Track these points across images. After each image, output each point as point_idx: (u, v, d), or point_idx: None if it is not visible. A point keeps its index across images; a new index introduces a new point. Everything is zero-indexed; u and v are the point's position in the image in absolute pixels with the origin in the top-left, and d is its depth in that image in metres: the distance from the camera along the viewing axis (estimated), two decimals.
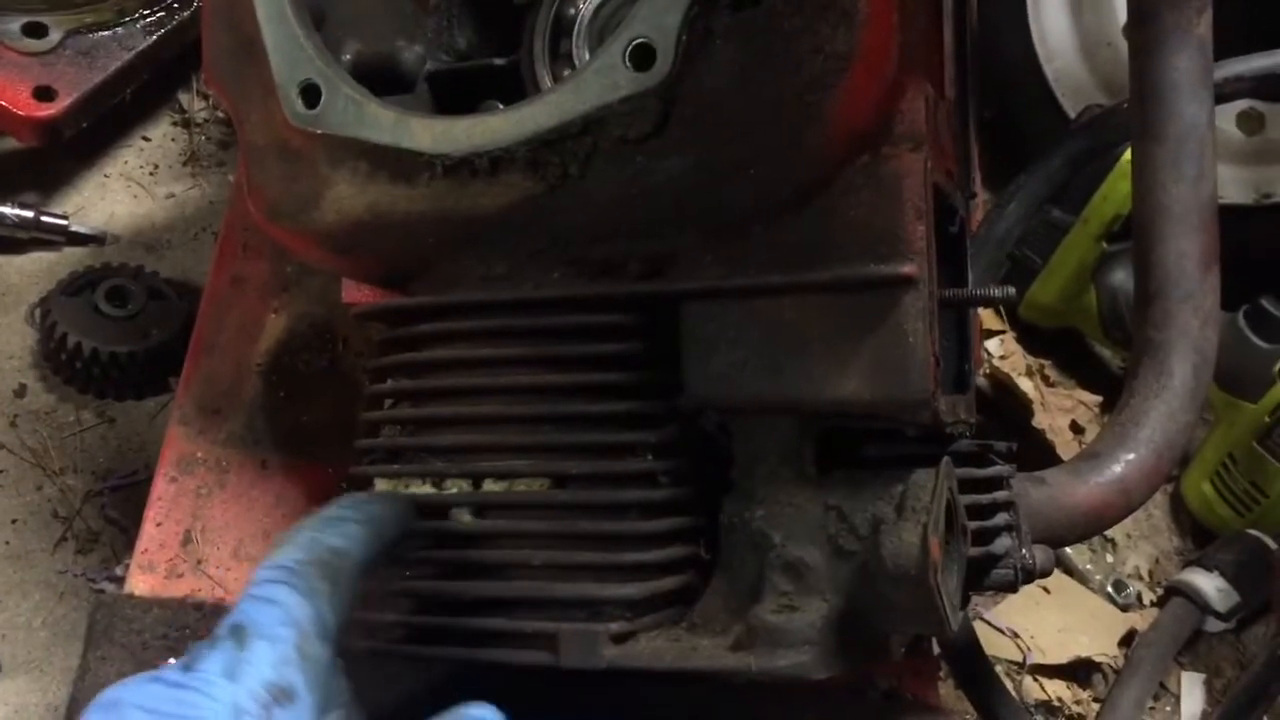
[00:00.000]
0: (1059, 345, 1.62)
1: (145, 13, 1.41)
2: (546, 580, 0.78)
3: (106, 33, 1.38)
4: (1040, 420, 1.50)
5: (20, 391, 1.29)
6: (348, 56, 0.98)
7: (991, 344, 1.58)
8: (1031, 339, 1.64)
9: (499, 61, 1.05)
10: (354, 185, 0.83)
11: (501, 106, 0.96)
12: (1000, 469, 0.90)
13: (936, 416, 0.74)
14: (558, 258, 0.82)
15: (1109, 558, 1.48)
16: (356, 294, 0.99)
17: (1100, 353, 1.62)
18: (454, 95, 1.04)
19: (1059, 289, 1.56)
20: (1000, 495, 0.90)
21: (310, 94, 0.83)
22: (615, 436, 0.78)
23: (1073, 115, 1.62)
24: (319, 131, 0.83)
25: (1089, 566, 1.44)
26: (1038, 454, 1.45)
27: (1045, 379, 1.57)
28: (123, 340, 1.27)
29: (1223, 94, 1.23)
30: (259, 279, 1.11)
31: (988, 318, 1.61)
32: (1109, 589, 1.44)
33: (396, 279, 0.90)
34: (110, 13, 1.40)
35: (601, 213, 0.78)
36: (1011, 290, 0.85)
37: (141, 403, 1.29)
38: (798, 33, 0.73)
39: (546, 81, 0.95)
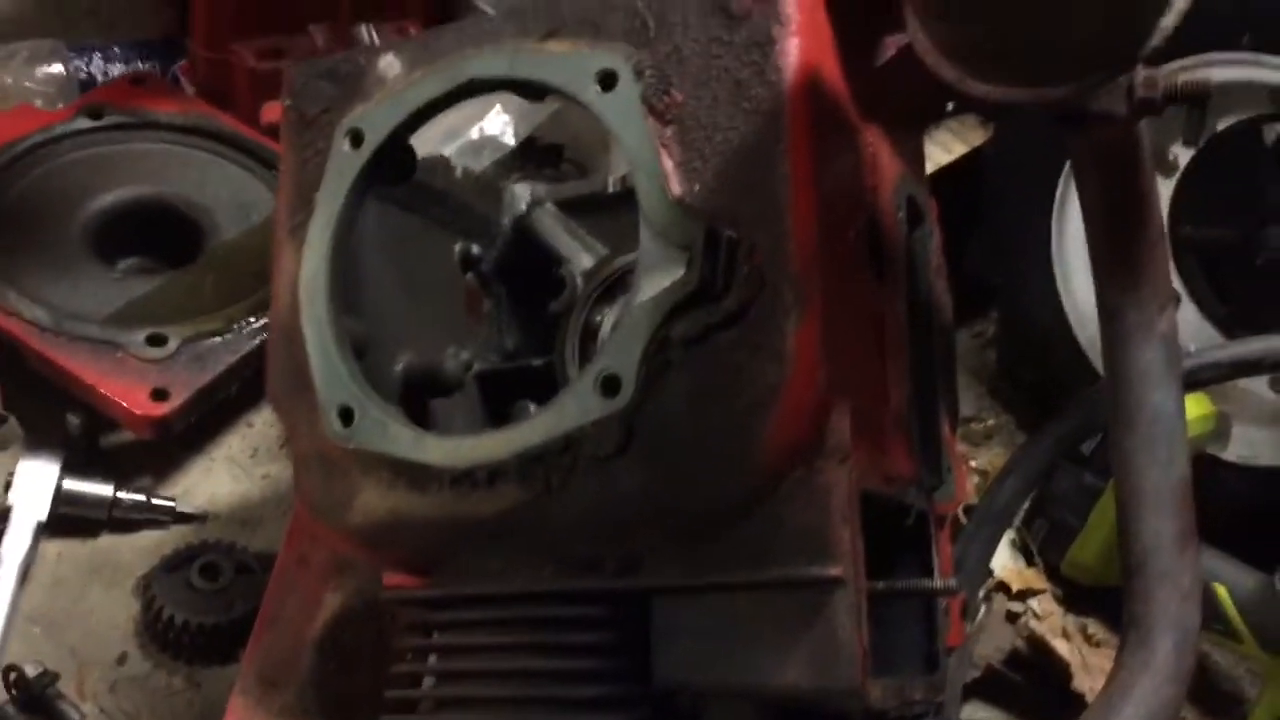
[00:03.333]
0: (1106, 603, 1.65)
1: (251, 320, 1.63)
2: None
3: (217, 339, 1.60)
4: (1081, 683, 1.52)
5: (122, 659, 1.44)
6: (399, 367, 1.14)
7: (1032, 604, 1.62)
8: (1080, 597, 1.67)
9: (537, 363, 1.21)
10: (378, 492, 0.98)
11: (533, 407, 1.11)
12: None
13: (867, 704, 0.82)
14: (547, 556, 0.94)
15: None
16: (395, 578, 1.12)
17: None
18: (498, 391, 1.20)
19: (1097, 550, 1.61)
20: None
21: (346, 415, 0.99)
22: (588, 718, 0.88)
23: None
24: (351, 446, 0.98)
25: None
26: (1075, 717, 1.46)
27: (1089, 639, 1.59)
28: (210, 612, 1.42)
29: (1200, 379, 1.31)
30: (321, 559, 1.25)
31: (1029, 577, 1.66)
32: None
33: (419, 569, 1.02)
34: (221, 321, 1.62)
35: (580, 518, 0.91)
36: (953, 583, 0.93)
37: (226, 668, 1.43)
38: (738, 366, 0.86)
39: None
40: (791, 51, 0.89)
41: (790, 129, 0.87)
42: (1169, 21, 0.81)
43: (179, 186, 1.79)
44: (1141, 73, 0.89)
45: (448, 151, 1.97)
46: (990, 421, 1.97)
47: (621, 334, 0.89)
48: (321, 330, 1.02)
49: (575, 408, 0.90)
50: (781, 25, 0.89)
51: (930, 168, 1.80)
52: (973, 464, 1.85)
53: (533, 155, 2.05)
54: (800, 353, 0.84)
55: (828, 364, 0.85)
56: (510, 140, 1.95)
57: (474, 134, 1.92)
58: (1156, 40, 0.81)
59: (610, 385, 0.89)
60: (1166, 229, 1.75)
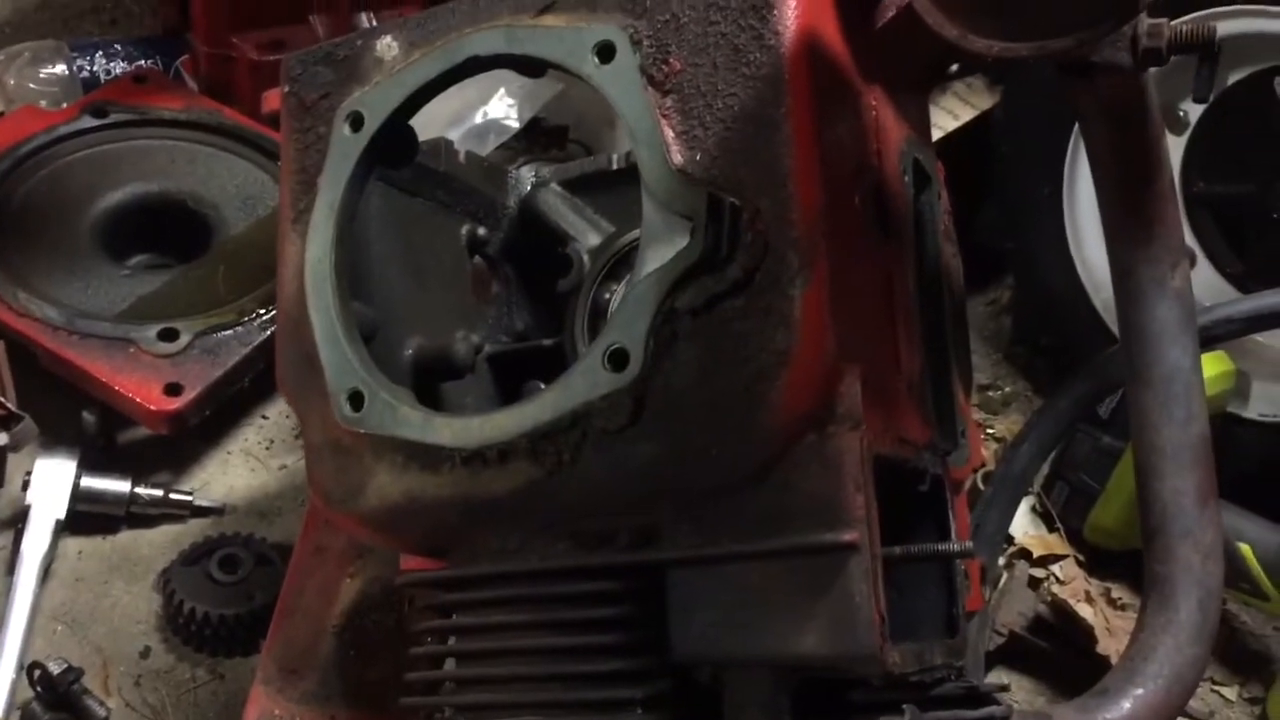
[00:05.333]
0: (1129, 568, 1.64)
1: (262, 312, 1.63)
2: None
3: (229, 332, 1.60)
4: (1105, 646, 1.51)
5: (145, 653, 1.45)
6: (409, 352, 1.14)
7: (1054, 569, 1.61)
8: (1102, 562, 1.66)
9: (547, 343, 1.21)
10: (392, 475, 0.97)
11: (543, 386, 1.11)
12: (992, 710, 0.95)
13: (885, 668, 0.81)
14: (561, 531, 0.94)
15: None
16: (414, 560, 1.12)
17: None
18: (510, 373, 1.20)
19: (1118, 513, 1.60)
20: None
21: (356, 399, 0.99)
22: (606, 693, 0.88)
23: None
24: (362, 430, 0.98)
25: None
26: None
27: (1113, 603, 1.58)
28: (231, 604, 1.43)
29: (1215, 335, 1.29)
30: (338, 548, 1.25)
31: (1050, 543, 1.65)
32: None
33: (435, 551, 1.02)
34: (232, 314, 1.62)
35: (592, 492, 0.90)
36: (968, 545, 0.92)
37: (248, 659, 1.43)
38: (745, 334, 0.85)
39: None
40: (789, 15, 0.88)
41: (790, 93, 0.86)
42: None
43: (185, 182, 1.79)
44: (1145, 21, 0.88)
45: (452, 137, 1.97)
46: (1007, 389, 1.96)
47: (627, 307, 0.88)
48: (329, 316, 1.02)
49: (584, 383, 0.89)
50: None
51: (937, 134, 1.80)
52: (990, 431, 1.84)
53: (538, 138, 2.04)
54: (807, 318, 0.83)
55: (836, 328, 0.84)
56: (515, 124, 1.95)
57: (478, 118, 1.92)
58: None
59: (618, 359, 0.88)
60: (1179, 187, 1.75)
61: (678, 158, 0.89)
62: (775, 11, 0.88)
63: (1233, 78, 1.67)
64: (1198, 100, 1.70)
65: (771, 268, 0.85)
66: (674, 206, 0.88)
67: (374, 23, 2.07)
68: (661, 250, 0.88)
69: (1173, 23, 0.88)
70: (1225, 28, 1.57)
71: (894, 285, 0.97)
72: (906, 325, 0.98)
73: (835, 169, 0.89)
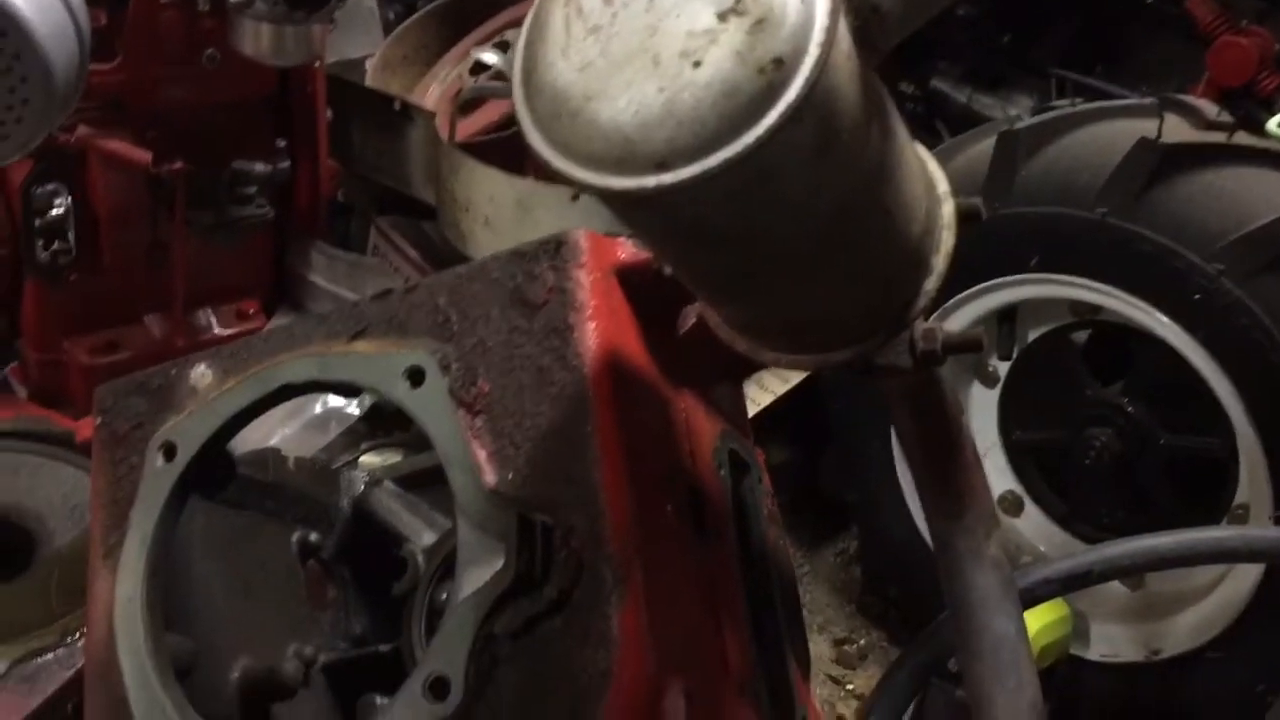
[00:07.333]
0: None
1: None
2: None
3: (49, 655, 1.51)
4: None
5: None
6: (236, 674, 1.10)
7: None
8: None
9: (384, 648, 1.17)
10: None
11: (379, 700, 1.08)
12: None
13: None
14: None
15: None
16: None
17: None
18: (347, 683, 1.15)
19: None
20: None
21: None
22: None
23: None
24: None
25: None
26: None
27: None
28: None
29: (1038, 596, 1.33)
30: None
31: None
32: None
33: None
34: (54, 635, 1.54)
35: None
36: None
37: None
38: (566, 655, 0.84)
39: None
40: (590, 335, 0.91)
41: (595, 411, 0.89)
42: (931, 285, 0.87)
43: (5, 494, 1.73)
44: (920, 327, 0.93)
45: (292, 428, 1.96)
46: (862, 641, 1.97)
47: (446, 633, 0.87)
48: (139, 659, 0.98)
49: (405, 716, 0.87)
50: (577, 311, 0.92)
51: (753, 409, 1.86)
52: (849, 688, 1.83)
53: (381, 420, 2.05)
54: (626, 635, 0.83)
55: (656, 645, 0.84)
56: (355, 410, 1.95)
57: (318, 408, 1.92)
58: (922, 303, 0.86)
59: (439, 688, 0.86)
60: (998, 436, 1.84)
61: (490, 478, 0.90)
62: (576, 332, 0.92)
63: (1032, 334, 1.79)
64: (1002, 358, 1.83)
65: (588, 586, 0.85)
66: (488, 528, 0.88)
67: (214, 319, 2.09)
68: (478, 573, 0.88)
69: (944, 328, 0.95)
70: (1024, 292, 1.70)
71: (717, 586, 0.98)
72: (733, 625, 0.99)
73: (646, 480, 0.91)
